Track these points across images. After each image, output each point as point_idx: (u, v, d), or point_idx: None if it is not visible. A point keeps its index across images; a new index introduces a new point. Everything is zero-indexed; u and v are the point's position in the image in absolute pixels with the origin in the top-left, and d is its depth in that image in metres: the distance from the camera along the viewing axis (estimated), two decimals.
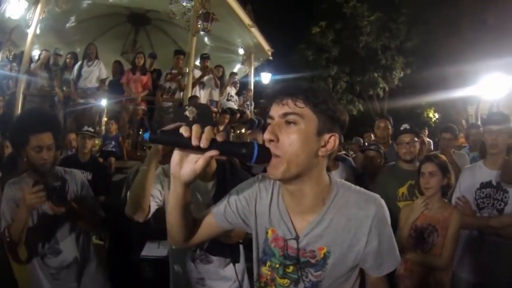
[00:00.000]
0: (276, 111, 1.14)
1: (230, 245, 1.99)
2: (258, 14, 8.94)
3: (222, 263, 2.08)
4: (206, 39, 7.70)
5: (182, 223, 1.26)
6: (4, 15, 7.18)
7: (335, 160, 3.60)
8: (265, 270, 1.31)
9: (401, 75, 17.73)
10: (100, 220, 2.37)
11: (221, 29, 7.56)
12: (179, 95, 6.81)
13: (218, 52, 8.56)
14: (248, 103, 8.71)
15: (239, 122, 7.84)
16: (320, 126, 1.13)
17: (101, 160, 4.87)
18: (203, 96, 6.84)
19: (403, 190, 2.91)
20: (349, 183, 1.28)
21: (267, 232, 1.29)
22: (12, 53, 7.80)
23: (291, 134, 1.10)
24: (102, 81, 6.76)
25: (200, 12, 6.64)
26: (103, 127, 6.57)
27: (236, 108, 7.71)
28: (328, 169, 3.28)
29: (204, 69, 7.04)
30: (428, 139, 6.82)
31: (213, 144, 1.00)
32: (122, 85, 6.62)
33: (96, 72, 6.67)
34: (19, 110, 6.24)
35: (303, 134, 1.11)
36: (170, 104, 6.88)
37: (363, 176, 3.60)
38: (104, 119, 6.83)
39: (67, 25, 8.11)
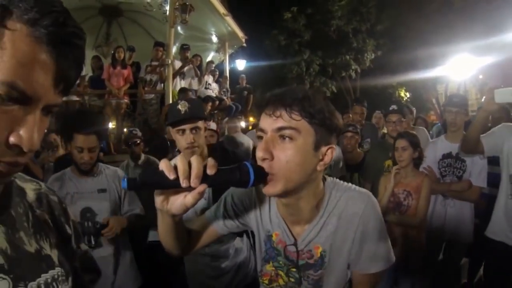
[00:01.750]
0: (269, 124, 1.03)
1: None
2: (231, 2, 9.09)
3: (231, 239, 2.26)
4: (179, 28, 7.72)
5: (177, 242, 1.19)
6: None
7: None
8: (269, 267, 1.29)
9: (372, 57, 18.13)
10: (139, 217, 2.43)
11: (195, 18, 7.62)
12: (160, 86, 6.93)
13: (192, 41, 8.56)
14: (225, 90, 8.86)
15: (218, 109, 8.05)
16: (317, 140, 1.04)
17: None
18: (183, 85, 6.95)
19: (389, 162, 3.26)
20: (340, 182, 1.22)
21: (271, 235, 1.27)
22: None
23: (287, 151, 1.00)
24: (82, 78, 6.77)
25: (177, 3, 6.73)
26: None
27: (215, 95, 7.87)
28: None
29: (184, 60, 7.15)
30: None
31: (204, 179, 0.87)
32: (103, 80, 6.67)
33: None
34: None
35: (300, 150, 1.01)
36: (152, 96, 6.95)
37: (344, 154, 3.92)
38: None
39: None
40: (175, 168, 0.86)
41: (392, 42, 17.41)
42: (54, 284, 0.73)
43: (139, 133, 4.09)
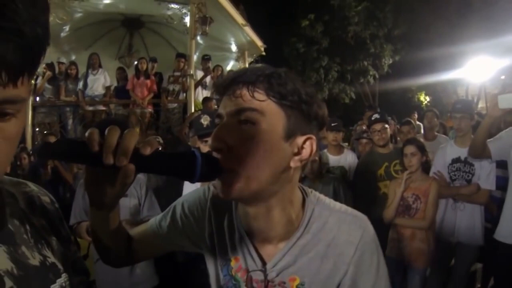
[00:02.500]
0: (225, 106, 0.81)
1: None
2: (249, 12, 9.26)
3: None
4: (199, 38, 7.88)
5: (111, 240, 0.95)
6: None
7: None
8: None
9: (390, 62, 18.08)
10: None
11: (215, 29, 7.77)
12: (182, 96, 7.15)
13: (212, 51, 8.71)
14: None
15: None
16: (289, 126, 0.80)
17: None
18: (204, 95, 7.16)
19: (381, 171, 3.39)
20: (328, 200, 0.97)
21: (229, 260, 0.97)
22: None
23: (248, 139, 0.77)
24: (108, 88, 7.15)
25: (197, 16, 6.95)
26: None
27: None
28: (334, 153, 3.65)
29: (206, 70, 7.35)
30: (418, 123, 7.19)
31: (136, 159, 0.66)
32: (127, 90, 6.98)
33: (102, 80, 7.09)
34: (29, 121, 6.54)
35: (265, 137, 0.78)
36: (175, 105, 7.20)
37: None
38: None
39: (62, 34, 8.24)
40: (93, 139, 0.64)
41: (410, 46, 17.33)
42: None
43: (161, 140, 4.30)
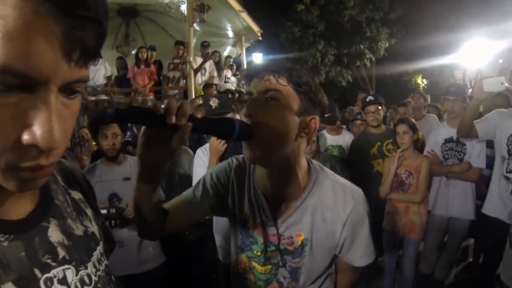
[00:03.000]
0: (256, 86, 1.06)
1: None
2: None
3: None
4: (196, 25, 7.86)
5: (152, 213, 1.12)
6: None
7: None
8: (244, 257, 1.27)
9: (387, 45, 18.14)
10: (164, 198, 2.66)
11: (212, 16, 7.81)
12: (182, 82, 7.26)
13: (209, 37, 8.76)
14: (243, 82, 9.10)
15: (238, 101, 8.34)
16: (301, 107, 1.06)
17: None
18: (204, 81, 7.30)
19: (374, 151, 3.54)
20: (330, 171, 1.24)
21: (247, 219, 1.22)
22: None
23: (272, 111, 1.02)
24: (108, 78, 7.24)
25: (194, 3, 7.01)
26: None
27: (234, 89, 8.14)
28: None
29: (205, 56, 7.45)
30: None
31: (190, 121, 0.85)
32: (128, 79, 7.08)
33: (102, 70, 7.16)
34: None
35: (283, 111, 1.03)
36: (176, 91, 7.30)
37: None
38: None
39: None
40: (157, 107, 0.83)
41: (406, 29, 17.43)
42: (102, 258, 0.76)
43: None
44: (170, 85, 7.28)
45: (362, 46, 18.10)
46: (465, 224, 3.36)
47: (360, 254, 1.22)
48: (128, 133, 6.08)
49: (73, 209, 0.74)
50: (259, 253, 1.22)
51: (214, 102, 2.34)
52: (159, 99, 7.27)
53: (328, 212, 1.15)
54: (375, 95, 3.81)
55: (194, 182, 2.22)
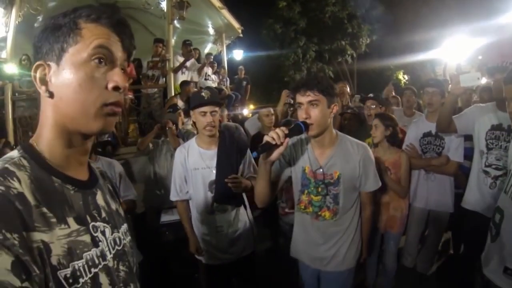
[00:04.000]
0: (303, 99, 1.96)
1: (235, 194, 2.58)
2: None
3: (234, 210, 2.65)
4: (176, 23, 7.86)
5: (269, 190, 2.03)
6: None
7: None
8: (304, 197, 2.20)
9: (368, 41, 18.27)
10: (132, 202, 2.80)
11: (192, 13, 7.78)
12: (162, 81, 7.16)
13: (190, 35, 8.71)
14: (224, 80, 9.12)
15: (220, 98, 8.27)
16: (328, 103, 1.98)
17: (99, 149, 5.22)
18: (183, 79, 7.14)
19: (369, 140, 3.56)
20: (347, 136, 2.21)
21: (304, 169, 2.15)
22: None
23: (317, 112, 1.95)
24: None
25: (174, 0, 6.94)
26: None
27: (214, 86, 8.11)
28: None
29: (186, 55, 7.36)
30: (395, 95, 7.34)
31: (284, 136, 1.75)
32: None
33: None
34: (10, 116, 6.26)
35: (322, 110, 1.96)
36: (155, 90, 7.18)
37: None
38: None
39: (36, 25, 7.56)
40: (273, 138, 1.72)
41: (388, 26, 17.53)
42: (127, 233, 1.02)
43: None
44: (149, 83, 7.17)
45: (343, 42, 18.20)
46: (445, 216, 3.40)
47: (371, 182, 2.18)
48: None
49: (108, 191, 1.03)
50: (312, 188, 2.13)
51: (206, 94, 2.53)
52: (138, 98, 7.18)
53: (350, 157, 2.09)
54: (376, 94, 3.97)
55: (175, 177, 2.69)
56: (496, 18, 10.77)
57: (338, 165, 2.08)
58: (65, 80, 0.80)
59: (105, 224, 0.91)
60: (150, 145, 4.11)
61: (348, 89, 5.31)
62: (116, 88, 0.83)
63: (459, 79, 2.58)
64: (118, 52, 0.85)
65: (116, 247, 0.93)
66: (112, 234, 0.92)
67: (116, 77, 0.83)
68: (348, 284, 2.32)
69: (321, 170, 2.09)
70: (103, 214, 0.92)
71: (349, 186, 2.11)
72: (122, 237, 0.98)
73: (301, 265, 2.40)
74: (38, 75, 0.82)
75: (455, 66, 13.91)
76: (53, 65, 0.82)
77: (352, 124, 4.14)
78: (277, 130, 1.74)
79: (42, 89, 0.83)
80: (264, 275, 3.97)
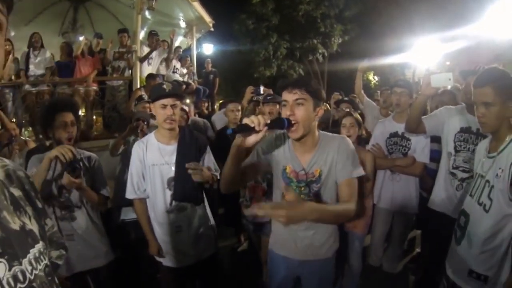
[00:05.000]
0: (289, 97, 1.90)
1: (195, 192, 2.50)
2: None
3: (194, 208, 2.55)
4: (147, 14, 7.69)
5: (235, 176, 1.94)
6: None
7: None
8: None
9: (340, 41, 18.42)
10: (105, 198, 2.66)
11: (163, 4, 7.60)
12: (128, 73, 6.93)
13: (160, 26, 8.48)
14: (192, 74, 8.94)
15: (186, 92, 8.12)
16: (314, 104, 1.91)
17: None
18: (150, 71, 6.96)
19: None
20: (328, 133, 2.14)
21: (285, 168, 2.09)
22: None
23: (302, 111, 1.88)
24: (48, 69, 6.66)
25: None
26: None
27: (182, 80, 7.93)
28: None
29: (152, 45, 7.14)
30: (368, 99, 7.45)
31: (264, 125, 1.68)
32: (71, 68, 6.65)
33: (43, 61, 6.61)
34: None
35: (307, 110, 1.89)
36: (120, 82, 6.94)
37: None
38: None
39: None
40: (253, 121, 1.65)
41: (361, 28, 17.79)
42: (41, 257, 0.76)
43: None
44: (115, 75, 6.92)
45: (315, 41, 18.28)
46: (410, 217, 3.42)
47: (346, 170, 2.00)
48: None
49: (10, 203, 0.75)
50: (295, 187, 2.06)
51: (167, 86, 2.46)
52: (103, 90, 6.92)
53: (328, 151, 2.02)
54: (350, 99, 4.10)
55: (132, 173, 2.55)
56: (465, 26, 11.05)
57: (318, 162, 2.03)
58: None
59: None
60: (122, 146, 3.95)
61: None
62: None
63: (430, 79, 2.54)
64: None
65: (19, 285, 0.67)
66: (10, 270, 0.66)
67: None
68: (328, 272, 2.29)
69: (303, 171, 2.05)
70: None
71: (330, 182, 2.04)
72: (27, 269, 0.70)
73: (276, 260, 2.31)
74: None
75: (424, 70, 14.37)
76: None
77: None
78: (259, 116, 1.68)
79: None
80: (227, 275, 3.90)
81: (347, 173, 1.98)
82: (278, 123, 1.81)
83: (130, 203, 2.77)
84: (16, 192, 0.80)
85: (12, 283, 0.65)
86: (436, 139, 3.17)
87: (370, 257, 3.55)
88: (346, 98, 3.95)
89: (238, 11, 18.33)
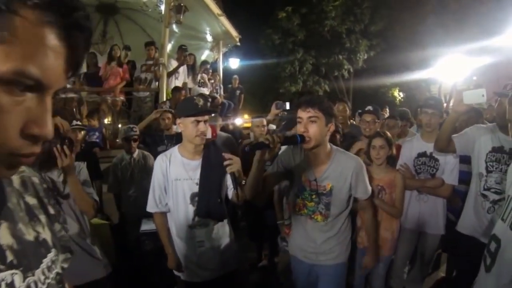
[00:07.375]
0: (304, 115, 2.15)
1: (219, 208, 2.46)
2: (226, 2, 9.18)
3: (216, 224, 2.51)
4: (174, 27, 7.79)
5: (258, 185, 2.22)
6: None
7: None
8: (299, 200, 2.40)
9: (365, 57, 18.29)
10: (95, 204, 2.52)
11: (190, 18, 7.72)
12: (155, 84, 7.05)
13: (187, 40, 8.65)
14: (218, 88, 9.02)
15: (212, 107, 8.17)
16: (326, 121, 2.16)
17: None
18: (177, 84, 7.09)
19: (363, 157, 3.47)
20: (341, 149, 2.40)
21: (301, 177, 2.34)
22: None
23: (315, 127, 2.13)
24: (77, 78, 6.81)
25: (172, 4, 6.86)
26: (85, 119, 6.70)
27: (208, 93, 8.02)
28: None
29: (181, 60, 7.27)
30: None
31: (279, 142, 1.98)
32: (99, 77, 6.81)
33: None
34: None
35: (320, 126, 2.14)
36: (147, 94, 7.08)
37: None
38: (85, 109, 6.97)
39: None
40: (267, 139, 1.95)
41: (386, 43, 17.65)
42: (53, 266, 0.76)
43: (138, 131, 4.25)
44: (141, 86, 7.06)
45: (341, 57, 18.21)
46: (436, 238, 3.30)
47: (362, 191, 2.35)
48: (97, 133, 5.85)
49: (26, 213, 0.75)
50: (307, 195, 2.33)
51: (199, 101, 2.40)
52: (130, 100, 7.05)
53: (343, 170, 2.25)
54: (375, 106, 3.91)
55: (154, 186, 2.54)
56: (492, 39, 10.81)
57: (331, 178, 2.27)
58: None
59: (13, 271, 0.65)
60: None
61: (348, 110, 4.92)
62: (33, 138, 0.54)
63: (462, 96, 2.44)
64: (55, 74, 0.53)
65: None
66: (24, 281, 0.66)
67: (40, 122, 0.54)
68: (340, 278, 2.47)
69: (315, 181, 2.28)
70: (9, 258, 0.65)
71: (340, 196, 2.29)
72: (40, 279, 0.71)
73: (295, 262, 2.58)
74: None
75: (450, 85, 14.04)
76: None
77: (335, 142, 4.05)
78: (274, 135, 1.98)
79: None
80: None
81: (364, 195, 2.40)
82: (292, 140, 2.12)
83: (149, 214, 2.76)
84: (31, 201, 0.80)
85: None
86: (464, 160, 3.06)
87: (392, 280, 3.43)
88: (369, 108, 3.80)
89: (264, 25, 18.47)
